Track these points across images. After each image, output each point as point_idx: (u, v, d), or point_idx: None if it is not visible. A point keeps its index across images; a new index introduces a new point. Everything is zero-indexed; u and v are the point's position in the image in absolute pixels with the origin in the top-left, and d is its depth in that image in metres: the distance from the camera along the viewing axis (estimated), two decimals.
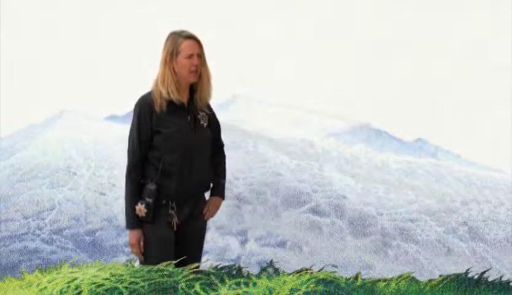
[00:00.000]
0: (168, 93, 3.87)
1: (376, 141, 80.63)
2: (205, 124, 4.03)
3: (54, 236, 55.31)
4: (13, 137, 70.18)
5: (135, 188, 3.85)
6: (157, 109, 3.87)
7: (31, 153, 64.64)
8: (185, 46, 3.87)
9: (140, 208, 3.80)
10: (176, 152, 3.87)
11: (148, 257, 3.69)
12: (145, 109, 3.87)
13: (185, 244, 3.89)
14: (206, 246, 54.74)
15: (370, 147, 77.15)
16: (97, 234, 55.88)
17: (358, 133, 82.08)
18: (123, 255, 54.09)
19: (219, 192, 4.13)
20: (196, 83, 3.98)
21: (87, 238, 55.64)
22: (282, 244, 57.37)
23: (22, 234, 55.24)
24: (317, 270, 2.89)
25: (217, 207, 4.11)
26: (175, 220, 3.86)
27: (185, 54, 3.87)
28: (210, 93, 4.03)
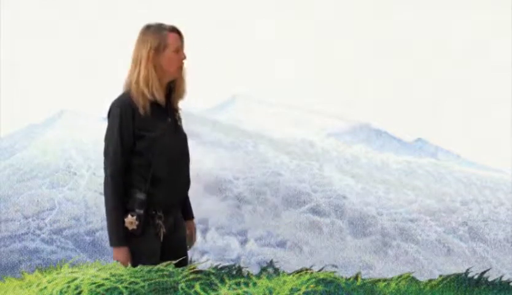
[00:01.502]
0: (153, 93, 3.52)
1: (376, 141, 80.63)
2: (181, 125, 3.74)
3: (54, 236, 55.31)
4: (13, 137, 70.20)
5: (121, 199, 3.47)
6: (141, 111, 3.50)
7: (31, 153, 64.65)
8: (173, 39, 3.55)
9: (132, 221, 3.45)
10: (164, 157, 3.56)
11: None
12: (127, 111, 3.49)
13: (172, 255, 3.61)
14: (206, 246, 54.76)
15: (370, 147, 77.16)
16: (97, 234, 55.87)
17: (358, 133, 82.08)
18: None
19: (191, 213, 3.88)
20: (173, 81, 3.64)
21: (87, 238, 55.63)
22: (282, 244, 57.37)
23: (22, 234, 55.24)
24: (317, 270, 2.88)
25: (195, 231, 3.85)
26: (162, 230, 3.57)
27: (173, 48, 3.54)
28: (185, 89, 3.69)
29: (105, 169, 3.51)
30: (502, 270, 57.14)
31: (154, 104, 3.58)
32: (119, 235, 3.45)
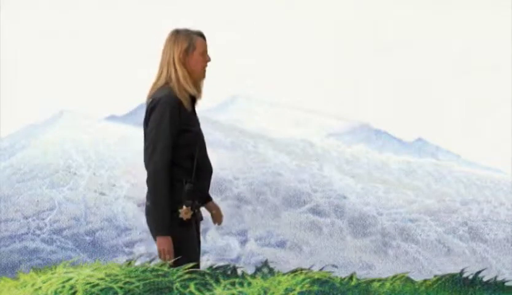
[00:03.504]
0: (192, 89, 3.81)
1: (376, 141, 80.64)
2: None
3: (54, 236, 55.36)
4: (13, 137, 70.19)
5: (170, 191, 3.67)
6: (186, 106, 3.78)
7: (30, 153, 64.67)
8: (200, 43, 3.86)
9: (187, 211, 3.66)
10: (203, 151, 3.83)
11: (182, 262, 3.50)
12: (175, 107, 3.75)
13: (197, 244, 3.81)
14: (206, 246, 54.79)
15: (370, 147, 77.17)
16: (97, 234, 55.93)
17: (358, 133, 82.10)
18: (123, 255, 54.14)
19: (209, 195, 4.05)
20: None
21: (87, 238, 55.68)
22: (282, 244, 57.42)
23: (22, 234, 55.29)
24: (317, 270, 2.89)
25: (219, 209, 4.07)
26: (200, 219, 3.81)
27: (200, 50, 3.85)
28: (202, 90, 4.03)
29: (153, 162, 3.70)
30: (502, 270, 57.18)
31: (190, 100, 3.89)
32: (167, 225, 3.62)
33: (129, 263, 3.19)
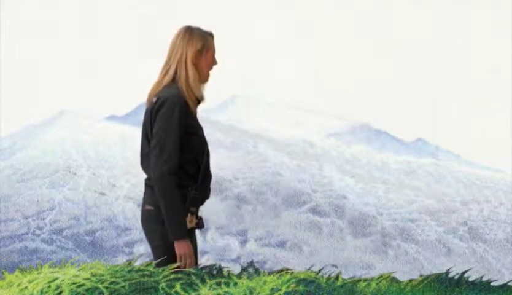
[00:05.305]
0: (200, 94, 3.65)
1: (376, 141, 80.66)
2: None
3: (54, 236, 55.37)
4: (13, 137, 70.24)
5: (180, 195, 3.52)
6: (193, 109, 3.62)
7: (30, 153, 64.70)
8: (212, 45, 3.73)
9: (191, 219, 3.51)
10: (206, 155, 3.67)
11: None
12: (183, 108, 3.58)
13: (195, 250, 3.66)
14: (206, 246, 54.79)
15: (370, 147, 77.18)
16: (97, 234, 55.93)
17: (358, 133, 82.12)
18: (123, 255, 54.16)
19: None
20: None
21: (87, 238, 55.69)
22: (282, 244, 57.41)
23: (22, 234, 55.30)
24: (317, 270, 2.89)
25: None
26: (201, 226, 3.63)
27: (212, 53, 3.71)
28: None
29: (162, 163, 3.52)
30: (502, 270, 57.17)
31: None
32: (185, 227, 3.48)
33: (129, 263, 3.19)
